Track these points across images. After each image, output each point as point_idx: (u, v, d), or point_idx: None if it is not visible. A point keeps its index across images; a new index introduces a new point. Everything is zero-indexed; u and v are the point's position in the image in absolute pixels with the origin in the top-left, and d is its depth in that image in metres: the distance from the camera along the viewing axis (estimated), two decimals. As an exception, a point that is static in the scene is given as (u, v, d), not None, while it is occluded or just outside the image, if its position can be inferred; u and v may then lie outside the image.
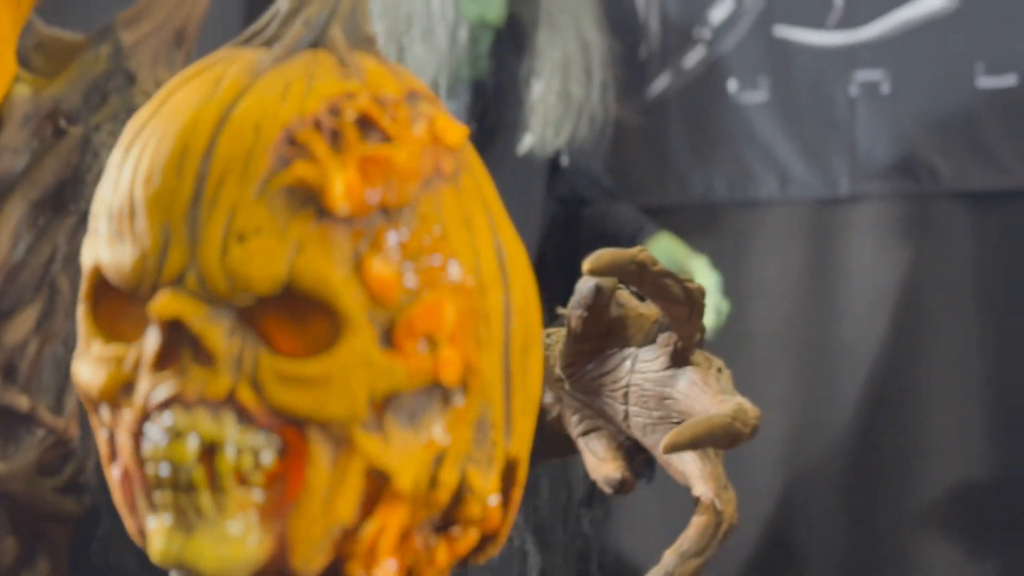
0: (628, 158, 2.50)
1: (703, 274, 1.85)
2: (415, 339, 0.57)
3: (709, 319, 1.84)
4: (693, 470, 0.75)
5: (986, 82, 2.35)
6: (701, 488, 0.74)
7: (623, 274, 0.74)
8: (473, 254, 0.59)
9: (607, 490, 0.79)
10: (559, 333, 0.84)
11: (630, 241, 1.96)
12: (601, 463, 0.79)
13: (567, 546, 0.97)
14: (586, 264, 0.71)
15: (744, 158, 2.44)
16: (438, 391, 0.58)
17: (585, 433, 0.83)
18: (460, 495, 0.59)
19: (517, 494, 0.61)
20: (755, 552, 2.35)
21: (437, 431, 0.58)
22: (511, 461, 0.61)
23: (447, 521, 0.59)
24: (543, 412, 0.85)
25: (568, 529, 0.93)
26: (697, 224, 2.46)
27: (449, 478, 0.58)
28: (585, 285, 0.77)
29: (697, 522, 0.72)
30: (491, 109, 1.82)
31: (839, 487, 2.32)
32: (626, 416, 0.81)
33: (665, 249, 1.89)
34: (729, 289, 2.45)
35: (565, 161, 2.00)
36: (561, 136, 1.81)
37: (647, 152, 2.52)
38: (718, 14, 2.48)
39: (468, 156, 0.61)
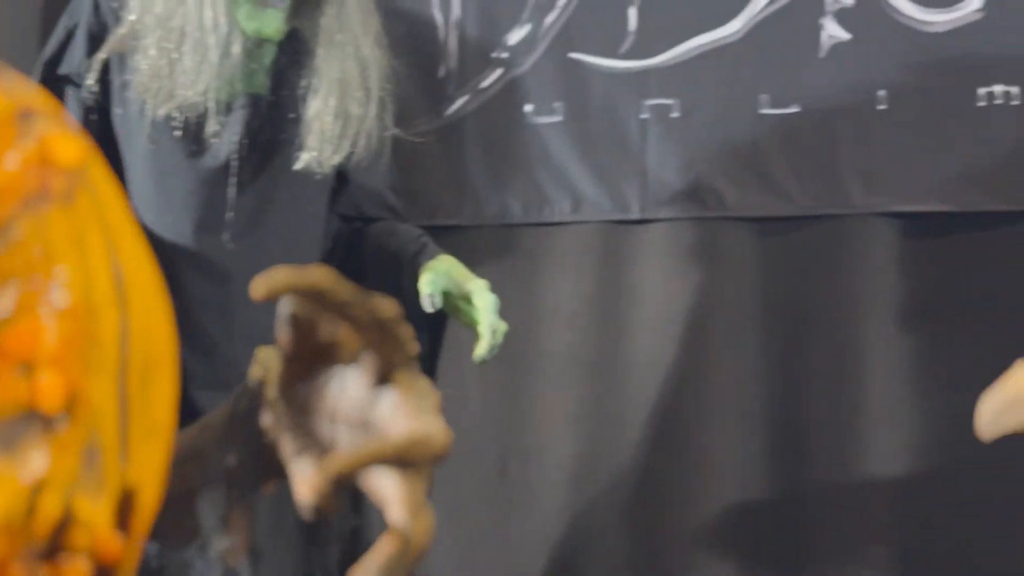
0: (425, 177, 2.50)
1: (480, 296, 1.86)
2: (9, 365, 0.55)
3: (484, 341, 1.85)
4: (390, 493, 0.75)
5: (770, 111, 2.41)
6: (394, 512, 0.74)
7: (302, 297, 0.73)
8: (84, 276, 0.57)
9: (307, 514, 0.78)
10: (272, 353, 0.83)
11: (412, 260, 1.96)
12: (300, 486, 0.78)
13: (283, 569, 0.96)
14: (257, 287, 0.70)
15: (539, 179, 2.47)
16: (37, 417, 0.57)
17: (298, 455, 0.82)
18: (65, 524, 0.57)
19: (140, 522, 0.59)
20: (542, 573, 2.36)
21: (36, 458, 0.56)
22: (129, 489, 0.60)
23: (53, 550, 0.57)
24: (260, 434, 0.83)
25: (285, 552, 0.91)
26: (493, 244, 2.47)
27: (50, 506, 0.57)
28: (282, 307, 0.76)
29: (380, 547, 0.71)
30: (268, 125, 1.81)
31: (625, 507, 2.35)
32: (333, 439, 0.80)
33: (445, 270, 1.90)
34: (523, 309, 2.47)
35: (349, 178, 2.00)
36: (338, 154, 1.80)
37: (444, 172, 2.52)
38: (516, 36, 2.50)
39: (91, 176, 0.59)
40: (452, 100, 2.53)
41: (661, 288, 2.41)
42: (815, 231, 2.37)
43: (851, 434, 2.26)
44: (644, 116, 2.45)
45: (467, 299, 1.88)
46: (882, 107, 2.39)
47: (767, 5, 2.42)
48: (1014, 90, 2.39)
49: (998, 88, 2.40)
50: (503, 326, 1.87)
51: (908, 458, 2.23)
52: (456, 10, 2.53)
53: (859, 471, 2.28)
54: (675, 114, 2.44)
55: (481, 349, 1.82)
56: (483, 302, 1.83)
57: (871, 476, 2.26)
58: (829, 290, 2.35)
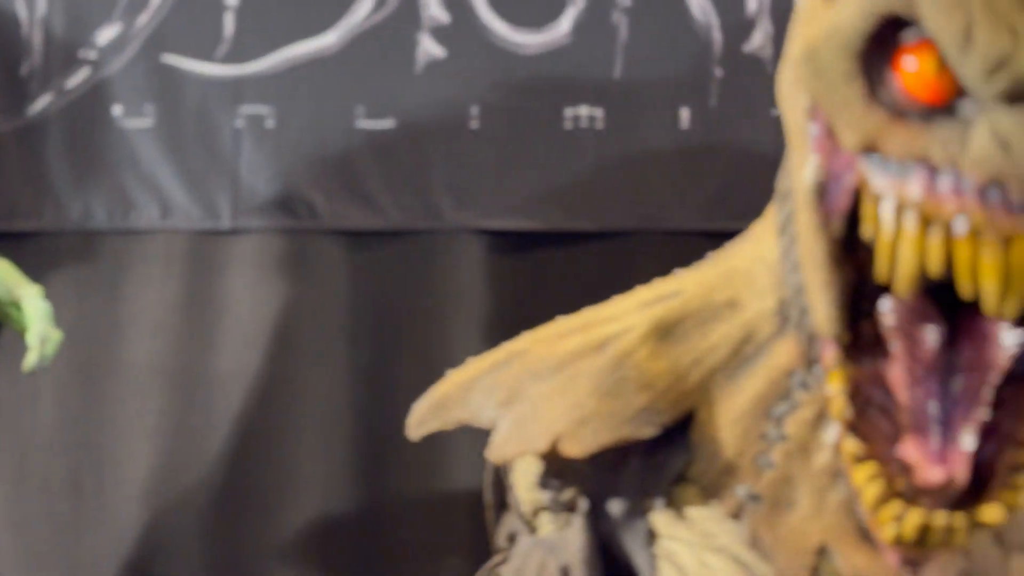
0: (1, 178, 2.36)
1: (32, 304, 1.77)
2: None
3: (33, 351, 1.76)
4: None
5: (365, 124, 2.41)
6: None
7: None
8: None
9: None
10: None
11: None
12: None
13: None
14: None
15: (125, 184, 2.37)
16: None
17: None
18: None
19: None
20: (115, 592, 2.27)
21: None
22: None
23: None
24: None
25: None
26: (74, 250, 2.36)
27: None
28: None
29: None
30: None
31: (206, 521, 2.28)
32: None
33: (-3, 275, 1.79)
34: (105, 318, 2.36)
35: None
36: None
37: (23, 173, 2.38)
38: (105, 36, 2.40)
39: None
40: (34, 99, 2.40)
41: (250, 299, 2.35)
42: (406, 245, 2.38)
43: (435, 446, 2.28)
44: (238, 124, 2.39)
45: (18, 305, 1.78)
46: (474, 125, 2.43)
47: (365, 18, 2.42)
48: (598, 113, 2.49)
49: (583, 110, 2.49)
50: (56, 335, 1.78)
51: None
52: (42, 7, 2.41)
53: (442, 481, 2.30)
54: (270, 123, 2.39)
55: (30, 359, 1.74)
56: (33, 310, 1.74)
57: (453, 486, 2.29)
58: (418, 304, 2.36)
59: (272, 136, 2.39)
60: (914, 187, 0.84)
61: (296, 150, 2.37)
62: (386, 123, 2.41)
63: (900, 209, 0.85)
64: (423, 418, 1.14)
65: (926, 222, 0.83)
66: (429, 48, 2.43)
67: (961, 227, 0.82)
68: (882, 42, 0.85)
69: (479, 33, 2.42)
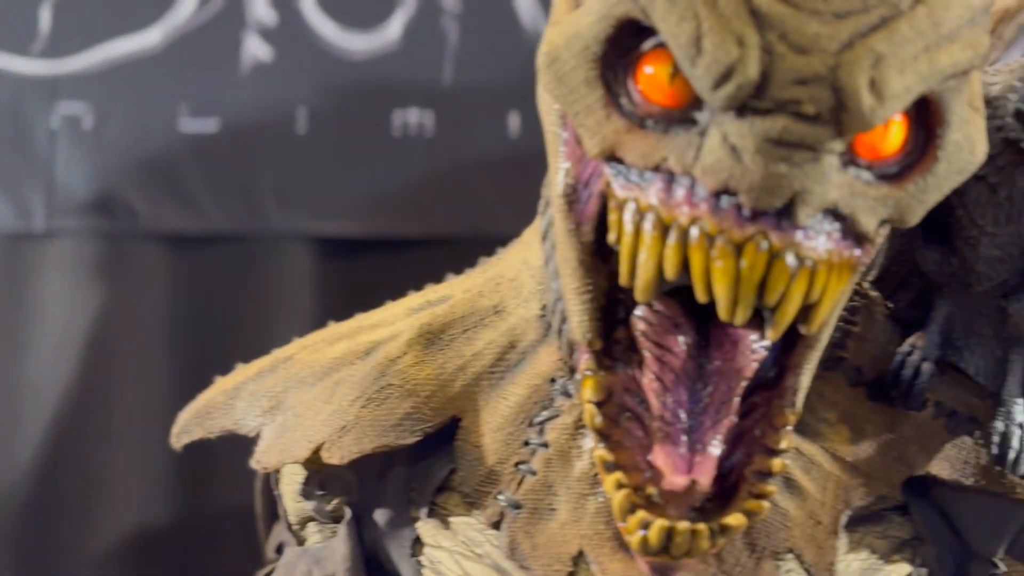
0: None
1: None
2: None
3: None
4: None
5: (189, 125, 2.36)
6: None
7: None
8: None
9: None
10: None
11: None
12: None
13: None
14: None
15: (-66, 185, 2.29)
16: None
17: None
18: None
19: None
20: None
21: None
22: None
23: None
24: None
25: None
26: None
27: None
28: None
29: None
30: None
31: (17, 531, 2.22)
32: None
33: None
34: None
35: None
36: None
37: None
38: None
39: None
40: None
41: (64, 304, 2.29)
42: (229, 249, 2.34)
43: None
44: (54, 123, 2.33)
45: None
46: (301, 128, 2.39)
47: (189, 17, 2.37)
48: (427, 118, 2.47)
49: (412, 116, 2.47)
50: None
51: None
52: None
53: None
54: (88, 122, 2.33)
55: None
56: None
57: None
58: (241, 310, 2.32)
59: (90, 136, 2.32)
60: (652, 195, 0.83)
61: (115, 151, 2.31)
62: (210, 125, 2.36)
63: (640, 216, 0.84)
64: (186, 426, 1.11)
65: (664, 229, 0.83)
66: (255, 49, 2.40)
67: (695, 234, 0.82)
68: (622, 49, 0.85)
69: (306, 35, 2.39)
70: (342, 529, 1.06)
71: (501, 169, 2.50)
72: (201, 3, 2.37)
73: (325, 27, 2.42)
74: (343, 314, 2.33)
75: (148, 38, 2.37)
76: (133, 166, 2.33)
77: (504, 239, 2.42)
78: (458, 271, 1.30)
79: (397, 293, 2.34)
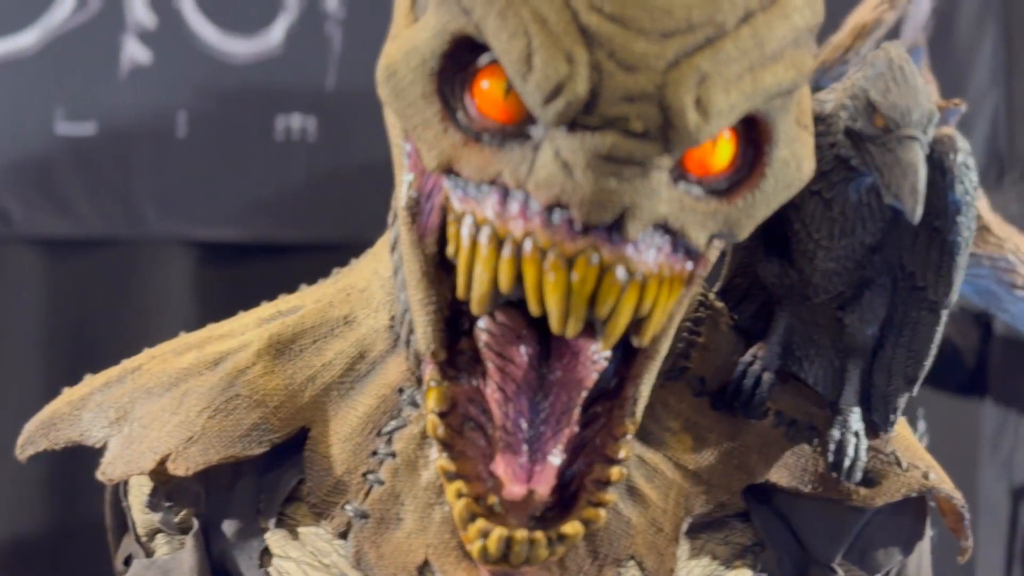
0: None
1: None
2: None
3: None
4: None
5: (65, 128, 2.33)
6: None
7: None
8: None
9: None
10: None
11: None
12: None
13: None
14: None
15: None
16: None
17: None
18: None
19: None
20: None
21: None
22: None
23: None
24: None
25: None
26: None
27: None
28: None
29: None
30: None
31: None
32: None
33: None
34: None
35: None
36: None
37: None
38: None
39: None
40: None
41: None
42: (107, 255, 2.31)
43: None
44: (-75, 125, 2.29)
45: None
46: (181, 132, 2.38)
47: (66, 19, 2.34)
48: (310, 123, 2.47)
49: (295, 121, 2.46)
50: None
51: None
52: None
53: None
54: (-39, 125, 2.30)
55: None
56: None
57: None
58: (120, 315, 2.30)
59: (-37, 139, 2.29)
60: (488, 208, 0.84)
61: (-10, 155, 2.28)
62: (87, 128, 2.34)
63: (476, 229, 0.85)
64: (31, 437, 1.10)
65: (499, 242, 0.84)
66: (134, 52, 2.37)
67: (528, 247, 0.83)
68: (459, 64, 0.85)
69: (187, 39, 2.38)
70: (189, 541, 1.05)
71: (384, 175, 2.50)
72: (78, 4, 2.35)
73: (206, 31, 2.40)
74: (223, 320, 2.32)
75: (23, 39, 2.34)
76: (8, 169, 2.30)
77: (386, 245, 2.44)
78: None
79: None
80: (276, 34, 2.45)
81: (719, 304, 1.10)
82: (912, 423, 2.43)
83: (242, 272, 2.40)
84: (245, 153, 2.39)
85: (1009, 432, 2.52)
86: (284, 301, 1.13)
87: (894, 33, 2.88)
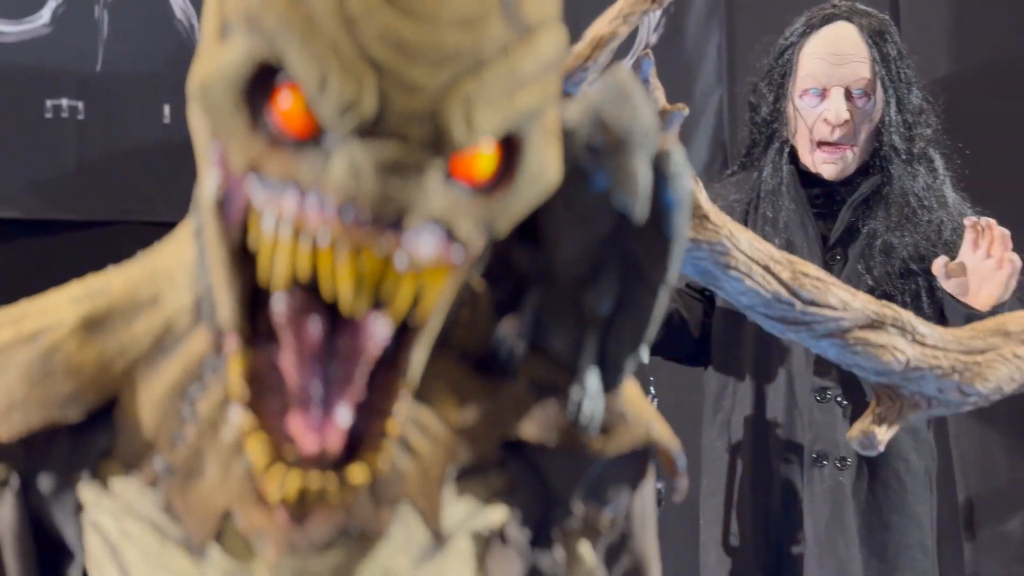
0: None
1: None
2: None
3: None
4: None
5: None
6: None
7: None
8: None
9: None
10: None
11: None
12: None
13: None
14: None
15: None
16: None
17: None
18: None
19: None
20: None
21: None
22: None
23: None
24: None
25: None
26: None
27: None
28: None
29: None
30: None
31: None
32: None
33: None
34: None
35: None
36: None
37: None
38: None
39: None
40: None
41: None
42: None
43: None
44: None
45: None
46: (-50, 111, 2.42)
47: None
48: (79, 104, 2.54)
49: (64, 101, 2.53)
50: None
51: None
52: None
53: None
54: None
55: None
56: None
57: None
58: None
59: None
60: (288, 205, 1.01)
61: None
62: None
63: (277, 224, 1.01)
64: None
65: (297, 236, 1.00)
66: (-100, 30, 2.40)
67: (323, 240, 0.99)
68: (264, 81, 1.01)
69: (-46, 20, 2.42)
70: (8, 495, 1.17)
71: (153, 156, 2.60)
72: None
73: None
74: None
75: None
76: None
77: (156, 223, 2.53)
78: (110, 255, 1.42)
79: (47, 275, 2.41)
80: (44, 16, 2.51)
81: (481, 284, 1.28)
82: (644, 389, 2.68)
83: (11, 250, 2.46)
84: (14, 133, 2.45)
85: (728, 395, 2.80)
86: (93, 280, 1.26)
87: (632, 34, 3.14)
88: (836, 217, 2.75)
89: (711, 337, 2.78)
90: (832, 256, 2.73)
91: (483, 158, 1.03)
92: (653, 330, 1.26)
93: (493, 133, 1.01)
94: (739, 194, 2.81)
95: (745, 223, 2.76)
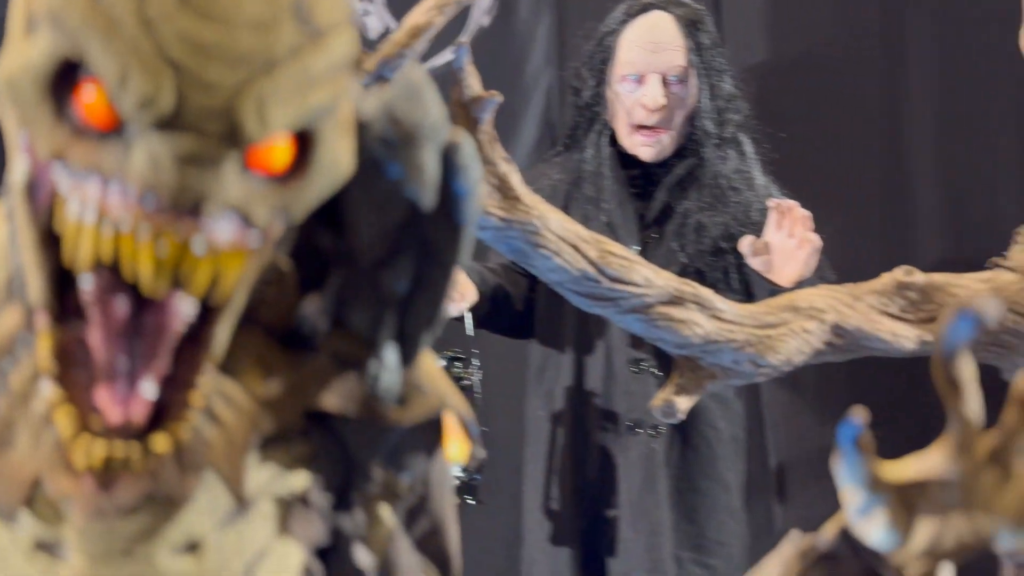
0: None
1: None
2: None
3: None
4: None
5: None
6: None
7: None
8: None
9: None
10: None
11: None
12: None
13: None
14: None
15: None
16: None
17: None
18: None
19: None
20: None
21: None
22: None
23: None
24: None
25: None
26: None
27: None
28: None
29: None
30: None
31: None
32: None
33: None
34: None
35: None
36: None
37: None
38: None
39: None
40: None
41: None
42: None
43: None
44: None
45: None
46: None
47: None
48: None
49: None
50: None
51: None
52: None
53: None
54: None
55: None
56: None
57: None
58: None
59: None
60: (91, 192, 1.08)
61: None
62: None
63: (82, 209, 1.08)
64: None
65: (101, 220, 1.08)
66: None
67: (125, 225, 1.07)
68: (68, 75, 1.08)
69: None
70: None
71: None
72: None
73: None
74: None
75: None
76: None
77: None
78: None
79: None
80: None
81: (287, 264, 1.37)
82: (467, 362, 2.78)
83: None
84: None
85: (551, 367, 2.92)
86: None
87: (463, 15, 3.22)
88: (653, 197, 2.89)
89: (535, 311, 2.90)
90: (649, 235, 2.87)
91: (277, 150, 1.12)
92: (447, 308, 1.36)
93: (286, 128, 1.09)
94: (563, 174, 2.93)
95: (568, 202, 2.88)
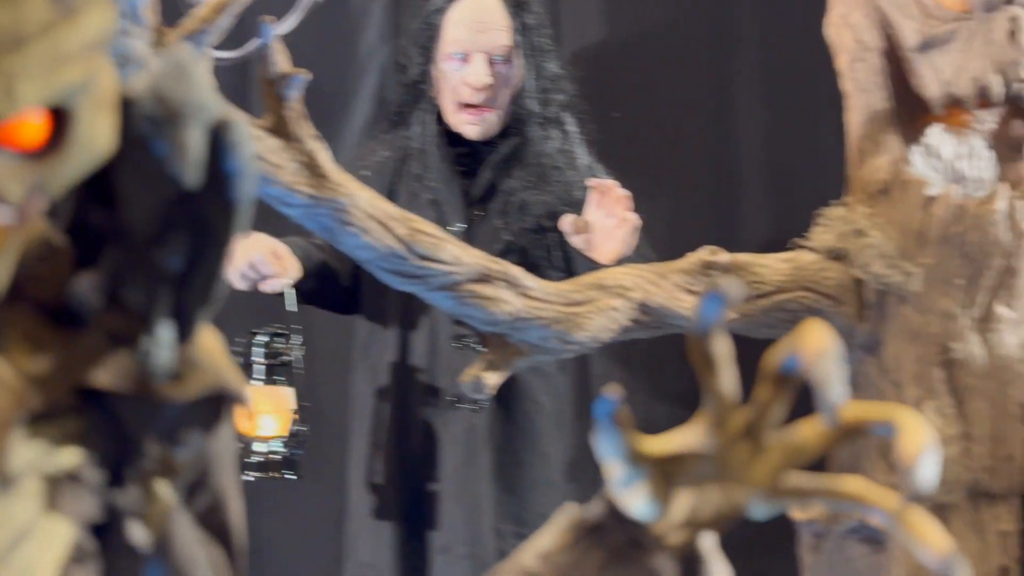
0: None
1: None
2: None
3: None
4: None
5: None
6: None
7: None
8: None
9: None
10: None
11: None
12: None
13: None
14: None
15: None
16: None
17: None
18: None
19: None
20: None
21: None
22: None
23: None
24: None
25: None
26: None
27: None
28: None
29: None
30: None
31: None
32: None
33: None
34: None
35: None
36: None
37: None
38: None
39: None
40: None
41: None
42: None
43: None
44: None
45: None
46: None
47: None
48: None
49: None
50: None
51: None
52: None
53: None
54: None
55: None
56: None
57: None
58: None
59: None
60: None
61: None
62: None
63: None
64: None
65: None
66: None
67: None
68: None
69: None
70: None
71: None
72: None
73: None
74: None
75: None
76: None
77: None
78: None
79: None
80: None
81: (60, 241, 1.36)
82: (288, 338, 2.79)
83: None
84: None
85: (376, 342, 2.94)
86: None
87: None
88: (479, 176, 2.92)
89: (360, 287, 2.92)
90: (474, 212, 2.91)
91: (29, 127, 1.12)
92: (223, 285, 1.37)
93: (36, 103, 1.09)
94: (390, 152, 2.95)
95: (396, 180, 2.90)
